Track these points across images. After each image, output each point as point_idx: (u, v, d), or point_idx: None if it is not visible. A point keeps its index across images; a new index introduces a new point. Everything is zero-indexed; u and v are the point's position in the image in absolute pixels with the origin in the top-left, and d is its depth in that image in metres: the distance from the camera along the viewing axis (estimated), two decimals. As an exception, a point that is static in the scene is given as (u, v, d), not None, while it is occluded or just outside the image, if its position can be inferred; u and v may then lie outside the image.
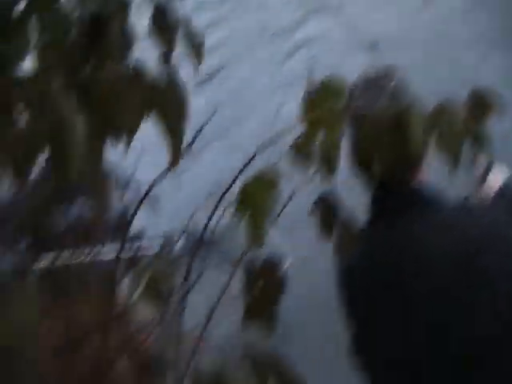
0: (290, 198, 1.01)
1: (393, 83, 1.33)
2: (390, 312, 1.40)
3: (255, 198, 0.86)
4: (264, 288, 0.91)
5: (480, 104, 0.85)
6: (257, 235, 0.87)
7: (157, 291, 0.92)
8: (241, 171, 0.85)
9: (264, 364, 0.82)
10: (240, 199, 0.85)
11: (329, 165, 0.94)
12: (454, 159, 0.84)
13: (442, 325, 1.34)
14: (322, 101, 0.86)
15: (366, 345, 1.47)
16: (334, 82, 0.86)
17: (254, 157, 0.87)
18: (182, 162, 0.88)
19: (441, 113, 0.83)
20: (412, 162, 1.38)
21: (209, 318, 0.94)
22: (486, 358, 1.32)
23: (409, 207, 1.40)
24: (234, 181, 0.86)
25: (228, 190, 0.87)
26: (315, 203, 0.97)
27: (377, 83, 1.33)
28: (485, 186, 1.64)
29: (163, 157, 0.88)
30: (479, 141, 0.85)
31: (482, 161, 1.64)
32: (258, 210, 0.86)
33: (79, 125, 0.72)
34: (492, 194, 1.61)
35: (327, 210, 0.96)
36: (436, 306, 1.34)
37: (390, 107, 0.84)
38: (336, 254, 0.97)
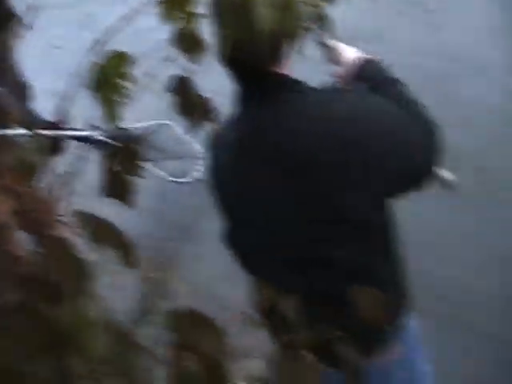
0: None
1: None
2: (265, 190, 1.45)
3: (106, 76, 0.87)
4: (123, 163, 0.95)
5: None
6: (109, 111, 0.90)
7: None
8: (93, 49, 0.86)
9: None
10: (92, 78, 0.87)
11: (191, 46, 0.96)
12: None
13: (320, 194, 1.40)
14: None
15: (240, 233, 1.55)
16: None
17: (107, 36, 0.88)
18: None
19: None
20: (271, 52, 1.34)
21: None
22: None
23: (278, 91, 1.41)
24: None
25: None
26: (173, 81, 0.99)
27: None
28: (342, 65, 1.67)
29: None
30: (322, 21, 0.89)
31: (332, 43, 1.66)
32: (110, 88, 0.88)
33: None
34: (352, 72, 1.64)
35: (184, 88, 0.99)
36: (312, 175, 1.39)
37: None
38: (193, 130, 1.01)
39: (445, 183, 1.71)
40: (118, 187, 0.95)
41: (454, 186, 1.70)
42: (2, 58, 2.81)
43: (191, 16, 0.91)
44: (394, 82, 1.58)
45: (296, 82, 1.43)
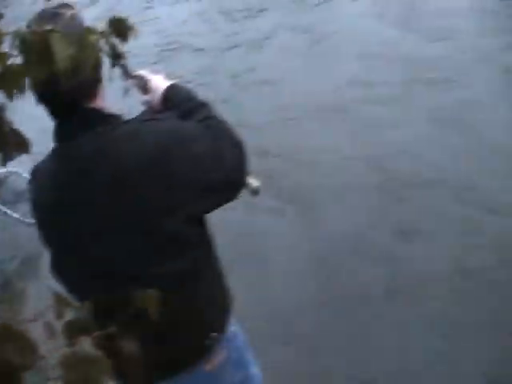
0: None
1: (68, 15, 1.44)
2: (82, 216, 1.54)
3: None
4: None
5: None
6: None
7: None
8: None
9: None
10: None
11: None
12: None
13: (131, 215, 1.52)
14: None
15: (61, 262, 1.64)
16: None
17: None
18: None
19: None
20: (85, 86, 1.50)
21: None
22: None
23: (91, 126, 1.53)
24: None
25: None
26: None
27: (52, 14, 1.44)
28: (150, 93, 1.81)
29: None
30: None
31: (139, 73, 1.82)
32: None
33: None
34: (160, 99, 1.78)
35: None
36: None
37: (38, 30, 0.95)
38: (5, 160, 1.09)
39: (252, 190, 1.86)
40: None
41: (259, 191, 1.86)
42: None
43: (3, 56, 1.00)
44: (200, 104, 1.72)
45: (108, 116, 1.56)
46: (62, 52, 0.96)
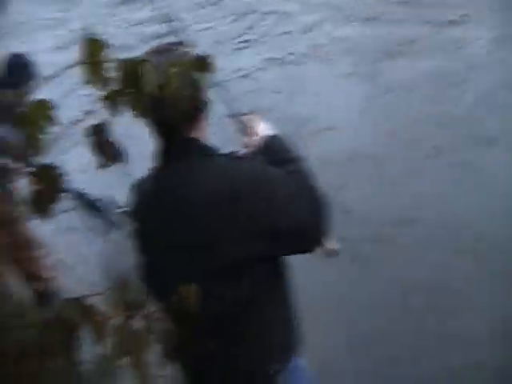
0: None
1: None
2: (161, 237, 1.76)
3: (32, 117, 1.18)
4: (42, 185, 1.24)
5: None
6: (33, 146, 1.19)
7: None
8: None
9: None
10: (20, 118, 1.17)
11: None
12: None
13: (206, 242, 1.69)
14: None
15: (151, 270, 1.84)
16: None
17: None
18: None
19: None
20: (187, 117, 1.72)
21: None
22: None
23: (186, 155, 1.73)
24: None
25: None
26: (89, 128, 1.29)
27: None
28: (251, 137, 1.95)
29: None
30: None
31: (246, 115, 1.98)
32: (34, 127, 1.18)
33: None
34: (258, 144, 1.91)
35: (99, 133, 1.29)
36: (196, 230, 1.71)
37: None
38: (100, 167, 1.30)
39: (327, 251, 1.95)
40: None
41: (336, 254, 1.95)
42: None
43: (107, 80, 1.22)
44: (294, 158, 1.85)
45: (204, 147, 1.76)
46: (151, 79, 1.15)
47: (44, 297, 3.94)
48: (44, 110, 1.18)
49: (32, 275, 4.06)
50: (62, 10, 9.52)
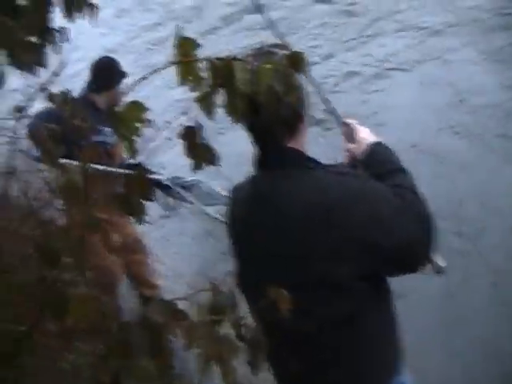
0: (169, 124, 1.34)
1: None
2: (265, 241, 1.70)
3: (127, 120, 1.17)
4: (135, 187, 1.24)
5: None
6: (128, 148, 1.19)
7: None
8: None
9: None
10: (114, 120, 1.17)
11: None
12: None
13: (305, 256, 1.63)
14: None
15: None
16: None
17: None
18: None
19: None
20: (285, 122, 1.65)
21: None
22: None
23: (283, 164, 1.68)
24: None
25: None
26: (183, 129, 1.28)
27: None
28: (355, 143, 1.87)
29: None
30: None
31: (349, 122, 1.89)
32: (129, 130, 1.17)
33: None
34: (361, 153, 1.83)
35: (192, 135, 1.27)
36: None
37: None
38: (195, 169, 1.28)
39: (437, 268, 1.85)
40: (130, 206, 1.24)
41: (444, 272, 1.85)
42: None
43: (201, 80, 1.20)
44: (399, 169, 1.76)
45: (302, 158, 1.70)
46: (242, 77, 1.11)
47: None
48: (138, 111, 1.18)
49: (139, 280, 4.15)
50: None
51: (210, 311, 1.01)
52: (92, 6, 1.42)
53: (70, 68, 4.82)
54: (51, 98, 1.36)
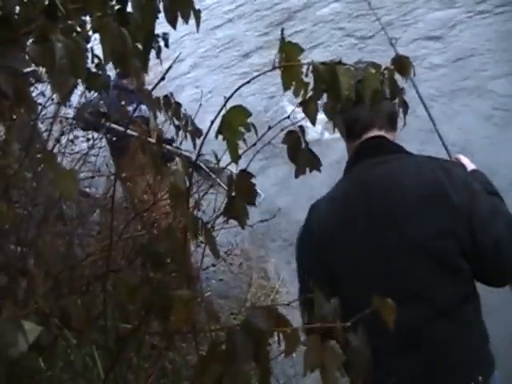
0: (269, 128, 1.34)
1: None
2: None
3: (232, 124, 1.18)
4: (239, 192, 1.24)
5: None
6: (233, 152, 1.20)
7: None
8: (225, 103, 1.18)
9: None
10: (220, 125, 1.18)
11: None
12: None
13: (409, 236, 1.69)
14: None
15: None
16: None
17: (235, 91, 1.21)
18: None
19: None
20: (380, 116, 1.79)
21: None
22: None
23: (378, 151, 1.79)
24: (220, 111, 1.19)
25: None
26: (287, 134, 1.27)
27: None
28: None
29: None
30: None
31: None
32: (234, 134, 1.18)
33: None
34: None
35: (295, 141, 1.26)
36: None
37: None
38: (297, 175, 1.28)
39: None
40: (234, 210, 1.24)
41: None
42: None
43: (305, 85, 1.19)
44: (496, 192, 1.85)
45: (394, 145, 1.81)
46: (346, 82, 1.10)
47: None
48: (242, 116, 1.19)
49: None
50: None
51: (313, 318, 1.00)
52: (198, 13, 1.45)
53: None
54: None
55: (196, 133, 1.81)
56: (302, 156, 1.26)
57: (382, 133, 1.80)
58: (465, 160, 2.03)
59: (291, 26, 8.83)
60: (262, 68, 7.76)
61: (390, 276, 1.69)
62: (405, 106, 1.15)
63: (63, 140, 2.55)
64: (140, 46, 1.46)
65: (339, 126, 1.62)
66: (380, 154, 1.76)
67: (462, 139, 5.20)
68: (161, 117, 1.77)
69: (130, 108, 3.89)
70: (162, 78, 1.30)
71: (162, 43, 1.89)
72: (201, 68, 9.05)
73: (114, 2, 1.51)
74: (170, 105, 1.80)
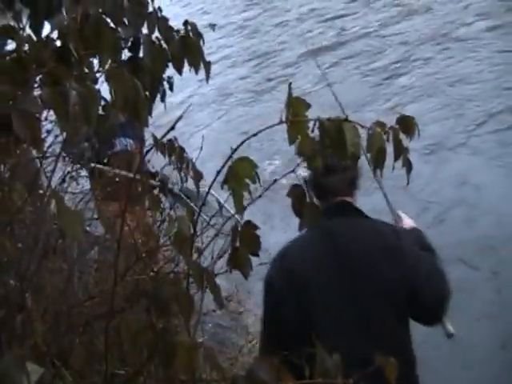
0: (274, 181, 1.38)
1: None
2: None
3: (238, 175, 1.21)
4: (243, 242, 1.27)
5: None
6: (238, 204, 1.23)
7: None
8: (232, 153, 1.22)
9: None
10: (227, 176, 1.21)
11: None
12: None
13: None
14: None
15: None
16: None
17: (242, 143, 1.24)
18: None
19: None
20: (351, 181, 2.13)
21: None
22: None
23: (342, 213, 2.10)
24: (226, 161, 1.22)
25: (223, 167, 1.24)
26: (291, 188, 1.31)
27: None
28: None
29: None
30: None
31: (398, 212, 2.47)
32: (240, 185, 1.21)
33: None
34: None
35: (300, 195, 1.30)
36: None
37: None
38: (301, 228, 1.31)
39: (446, 331, 2.20)
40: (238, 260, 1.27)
41: (452, 337, 2.19)
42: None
43: (308, 137, 1.23)
44: (431, 249, 2.21)
45: (356, 209, 2.14)
46: (352, 138, 1.14)
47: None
48: (248, 168, 1.22)
49: None
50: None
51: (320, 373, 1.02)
52: (208, 64, 1.50)
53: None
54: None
55: (196, 176, 1.85)
56: (307, 210, 1.29)
57: (346, 198, 2.13)
58: (405, 217, 2.44)
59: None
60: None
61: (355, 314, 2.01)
62: (409, 164, 1.18)
63: (66, 178, 2.57)
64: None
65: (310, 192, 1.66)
66: (344, 216, 2.10)
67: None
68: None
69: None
70: (172, 128, 1.32)
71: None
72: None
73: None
74: (174, 149, 1.84)
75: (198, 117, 8.34)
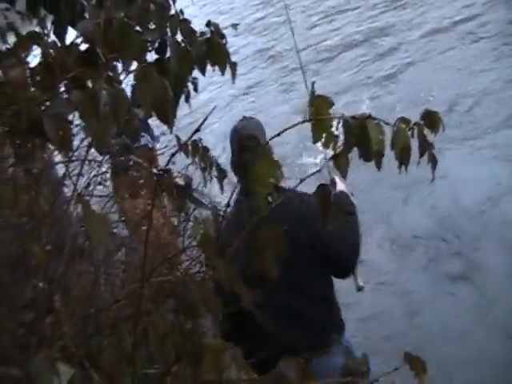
0: (301, 181, 1.37)
1: None
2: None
3: (262, 175, 1.21)
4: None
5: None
6: (261, 203, 1.23)
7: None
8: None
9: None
10: (250, 176, 1.22)
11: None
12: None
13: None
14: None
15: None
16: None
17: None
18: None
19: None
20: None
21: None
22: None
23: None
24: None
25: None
26: (317, 188, 1.31)
27: None
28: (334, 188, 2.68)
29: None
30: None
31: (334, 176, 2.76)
32: (262, 186, 1.21)
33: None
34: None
35: (326, 194, 1.29)
36: None
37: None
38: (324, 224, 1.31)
39: (357, 285, 2.64)
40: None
41: (362, 290, 2.66)
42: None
43: (334, 138, 1.22)
44: (352, 204, 2.64)
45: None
46: (376, 136, 1.13)
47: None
48: (272, 168, 1.22)
49: None
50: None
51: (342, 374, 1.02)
52: (234, 65, 1.50)
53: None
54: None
55: (220, 175, 1.85)
56: (332, 209, 1.28)
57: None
58: (339, 182, 2.74)
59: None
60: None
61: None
62: (434, 160, 1.17)
63: (92, 181, 2.59)
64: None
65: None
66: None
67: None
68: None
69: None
70: (197, 130, 1.32)
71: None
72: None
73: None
74: (198, 149, 1.84)
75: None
